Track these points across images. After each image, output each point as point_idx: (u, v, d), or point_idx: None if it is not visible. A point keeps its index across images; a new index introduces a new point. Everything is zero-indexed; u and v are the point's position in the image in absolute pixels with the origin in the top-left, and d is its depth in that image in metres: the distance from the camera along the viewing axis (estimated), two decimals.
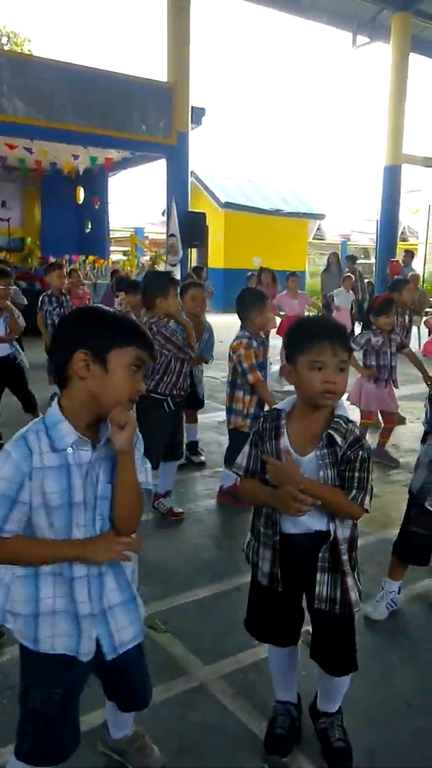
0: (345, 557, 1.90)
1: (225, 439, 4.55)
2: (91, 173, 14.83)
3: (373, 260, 17.82)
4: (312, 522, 1.89)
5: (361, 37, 16.50)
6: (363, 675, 2.50)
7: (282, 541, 1.93)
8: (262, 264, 13.23)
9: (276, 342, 7.45)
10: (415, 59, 15.95)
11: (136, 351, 1.55)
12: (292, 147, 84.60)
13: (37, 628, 1.57)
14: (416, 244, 23.40)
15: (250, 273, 10.84)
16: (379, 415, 5.43)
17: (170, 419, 3.86)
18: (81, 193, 15.46)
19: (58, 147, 12.12)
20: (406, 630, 2.89)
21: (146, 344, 1.59)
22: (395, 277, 11.14)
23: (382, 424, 5.38)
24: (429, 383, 5.06)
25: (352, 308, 11.80)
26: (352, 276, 12.60)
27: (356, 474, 1.85)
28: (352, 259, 13.86)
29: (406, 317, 7.07)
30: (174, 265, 11.94)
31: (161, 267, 13.94)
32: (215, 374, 7.78)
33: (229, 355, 4.08)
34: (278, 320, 8.51)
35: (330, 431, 1.84)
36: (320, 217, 22.21)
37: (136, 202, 34.63)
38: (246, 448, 2.01)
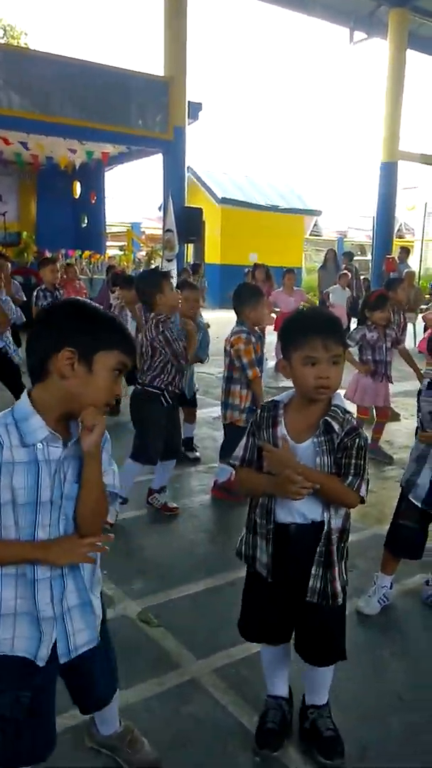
0: (334, 547, 1.92)
1: (220, 435, 4.55)
2: (88, 168, 14.77)
3: (369, 257, 17.82)
4: (307, 510, 1.91)
5: (359, 32, 16.47)
6: (355, 670, 2.53)
7: (276, 531, 1.94)
8: (258, 260, 13.23)
9: (272, 338, 7.47)
10: (412, 55, 15.93)
11: (121, 356, 1.54)
12: (289, 143, 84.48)
13: None
14: (412, 241, 23.45)
15: (248, 269, 10.84)
16: (374, 410, 5.46)
17: (166, 414, 3.85)
18: (77, 188, 15.40)
19: (55, 141, 12.08)
20: (398, 625, 2.91)
21: (131, 350, 1.59)
22: (391, 274, 11.16)
23: (375, 419, 5.40)
24: (421, 381, 5.13)
25: (348, 305, 11.82)
26: (348, 273, 12.60)
27: (353, 461, 1.88)
28: (349, 255, 13.86)
29: (402, 315, 7.07)
30: (170, 261, 11.92)
31: (157, 262, 13.91)
32: (210, 370, 7.78)
33: (225, 350, 4.08)
34: (274, 317, 8.51)
35: (327, 418, 1.88)
36: (317, 213, 22.22)
37: (132, 197, 34.50)
38: (242, 439, 2.02)
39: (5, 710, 1.56)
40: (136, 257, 15.75)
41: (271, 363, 7.52)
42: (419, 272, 17.75)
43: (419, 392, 2.82)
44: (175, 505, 4.07)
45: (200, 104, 13.45)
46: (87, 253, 14.28)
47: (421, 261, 20.51)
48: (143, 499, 4.06)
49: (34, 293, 6.81)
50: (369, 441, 5.29)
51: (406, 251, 13.88)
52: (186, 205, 12.81)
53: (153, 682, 2.42)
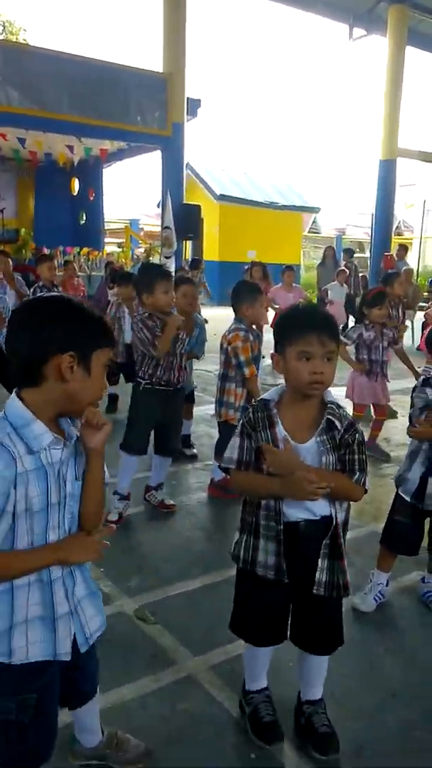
0: (341, 539, 1.96)
1: (217, 432, 4.55)
2: (86, 164, 14.76)
3: (367, 254, 17.81)
4: (316, 507, 1.93)
5: (358, 29, 16.42)
6: (350, 667, 2.54)
7: (285, 531, 1.94)
8: (257, 257, 13.22)
9: (270, 335, 7.46)
10: (411, 52, 15.90)
11: (109, 352, 1.55)
12: (287, 139, 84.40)
13: (11, 640, 1.50)
14: (411, 238, 23.45)
15: (247, 266, 10.85)
16: (371, 407, 5.46)
17: (154, 406, 3.80)
18: (76, 185, 15.40)
19: (53, 138, 12.06)
20: (393, 622, 2.92)
21: (114, 343, 1.61)
22: (389, 271, 11.16)
23: (374, 416, 5.41)
24: (416, 376, 5.16)
25: (346, 302, 11.83)
26: (346, 270, 12.61)
27: (356, 456, 1.92)
28: (349, 252, 13.86)
29: (400, 311, 7.08)
30: (168, 258, 11.91)
31: (156, 259, 13.90)
32: (208, 367, 7.78)
33: (221, 346, 4.09)
34: (272, 313, 8.51)
35: (329, 417, 1.90)
36: (315, 210, 22.20)
37: (131, 194, 34.54)
38: (235, 440, 1.97)
39: (11, 714, 1.54)
40: (134, 254, 15.74)
41: (268, 360, 7.52)
42: (417, 269, 17.76)
43: (414, 388, 2.84)
44: (171, 502, 4.07)
45: (199, 101, 13.43)
46: (85, 249, 14.28)
47: (419, 258, 20.52)
48: (140, 496, 4.07)
49: (31, 290, 6.82)
50: (367, 438, 5.34)
51: (404, 249, 13.85)
52: (184, 202, 12.79)
53: (149, 679, 2.42)
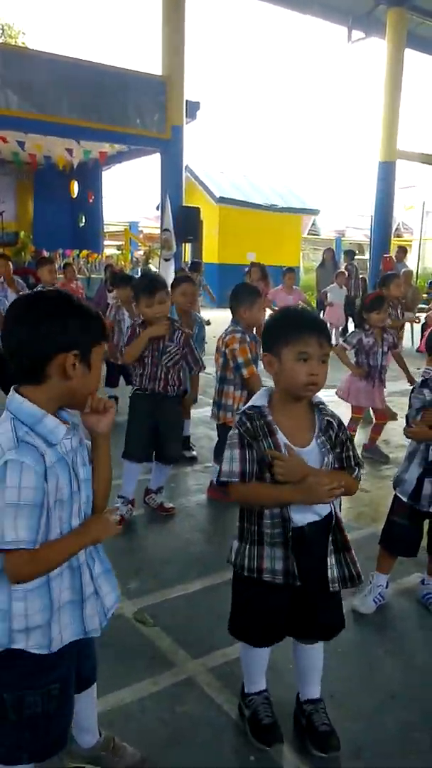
0: (346, 533, 2.00)
1: (216, 435, 4.55)
2: (86, 167, 14.76)
3: (367, 256, 17.82)
4: (319, 507, 1.95)
5: (357, 32, 16.43)
6: (350, 668, 2.54)
7: (293, 535, 1.94)
8: (256, 259, 13.22)
9: None
10: (410, 55, 15.92)
11: (104, 345, 1.59)
12: (287, 142, 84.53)
13: (50, 630, 1.54)
14: (410, 240, 23.47)
15: (247, 268, 10.87)
16: (371, 411, 5.46)
17: (145, 411, 3.80)
18: (75, 187, 15.40)
19: (52, 141, 12.07)
20: (393, 624, 2.91)
21: (108, 338, 1.63)
22: (387, 272, 11.17)
23: (374, 420, 5.41)
24: (411, 384, 5.18)
25: (345, 304, 11.83)
26: (346, 272, 12.61)
27: (351, 453, 1.98)
28: (350, 254, 13.85)
29: (398, 311, 7.08)
30: (168, 260, 11.91)
31: (155, 262, 13.91)
32: (208, 369, 7.77)
33: (219, 349, 4.09)
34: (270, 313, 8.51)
35: (327, 418, 1.94)
36: (315, 212, 22.22)
37: (130, 197, 34.53)
38: (234, 452, 1.91)
39: (38, 708, 1.57)
40: (133, 256, 15.75)
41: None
42: (417, 271, 17.77)
43: (413, 389, 2.84)
44: (171, 505, 4.07)
45: (198, 103, 13.44)
46: (85, 252, 14.29)
47: (418, 260, 20.53)
48: (140, 498, 4.07)
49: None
50: (366, 441, 5.34)
51: (403, 251, 13.87)
52: (184, 204, 12.80)
53: (148, 682, 2.42)
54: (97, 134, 11.85)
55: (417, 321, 9.52)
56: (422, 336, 10.01)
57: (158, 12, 12.24)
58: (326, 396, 2.09)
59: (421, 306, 11.37)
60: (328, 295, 11.81)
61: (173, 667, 2.51)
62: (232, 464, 1.90)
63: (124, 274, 7.63)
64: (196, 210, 13.17)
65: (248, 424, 1.91)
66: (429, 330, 4.50)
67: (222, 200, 18.08)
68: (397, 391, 6.56)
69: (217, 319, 8.93)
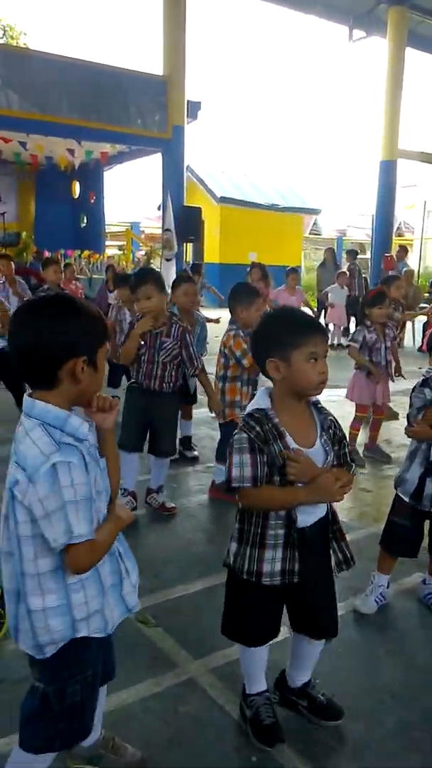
0: (340, 523, 2.08)
1: (218, 434, 4.56)
2: (87, 167, 14.78)
3: (368, 255, 17.80)
4: (323, 506, 2.00)
5: (358, 31, 16.42)
6: (351, 668, 2.55)
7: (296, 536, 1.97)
8: (257, 259, 13.21)
9: None
10: (411, 54, 15.90)
11: (107, 344, 1.63)
12: (288, 141, 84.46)
13: (104, 613, 1.65)
14: (412, 239, 23.44)
15: (249, 268, 10.85)
16: (371, 408, 5.45)
17: (138, 404, 3.80)
18: (77, 188, 15.42)
19: (54, 141, 12.08)
20: (394, 624, 2.92)
21: (110, 337, 1.66)
22: (389, 272, 11.16)
23: (372, 417, 5.40)
24: (401, 375, 5.27)
25: (348, 303, 11.82)
26: (347, 272, 12.59)
27: (346, 449, 2.03)
28: (352, 254, 13.84)
29: (399, 312, 7.07)
30: (169, 260, 11.92)
31: (156, 262, 13.91)
32: (210, 369, 7.78)
33: (220, 349, 4.12)
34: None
35: (329, 417, 1.98)
36: (316, 212, 22.22)
37: (132, 197, 34.60)
38: (244, 457, 1.88)
39: (77, 697, 1.65)
40: (135, 257, 15.76)
41: None
42: (418, 270, 17.76)
43: (413, 388, 2.84)
44: (172, 504, 4.08)
45: (199, 103, 13.44)
46: (86, 252, 14.30)
47: (420, 259, 20.51)
48: (141, 499, 4.07)
49: (37, 293, 6.83)
50: (367, 440, 5.34)
51: (404, 250, 13.85)
52: (185, 204, 12.81)
53: (150, 682, 2.43)
54: (99, 134, 11.86)
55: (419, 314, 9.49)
56: (424, 335, 10.02)
57: (159, 12, 12.25)
58: (330, 396, 2.10)
59: (422, 305, 11.35)
60: (329, 295, 11.79)
61: (175, 667, 2.52)
62: (243, 469, 1.87)
63: (125, 274, 7.64)
64: (198, 210, 13.17)
65: (258, 428, 1.89)
66: (430, 329, 4.48)
67: (223, 200, 18.08)
68: (399, 390, 6.55)
69: (225, 318, 8.93)
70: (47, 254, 12.86)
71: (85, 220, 16.60)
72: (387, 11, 15.21)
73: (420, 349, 10.09)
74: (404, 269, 12.03)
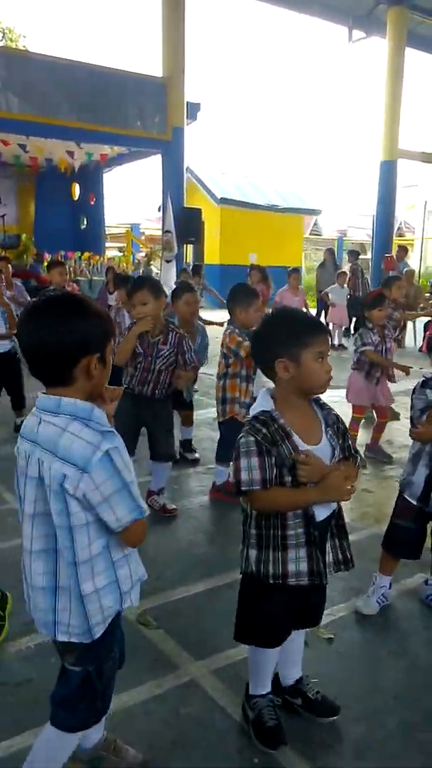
0: (344, 519, 2.07)
1: (218, 436, 4.54)
2: (87, 169, 14.79)
3: (369, 255, 17.79)
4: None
5: (357, 31, 16.45)
6: (353, 669, 2.54)
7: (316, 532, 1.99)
8: (258, 260, 13.21)
9: None
10: (411, 54, 15.91)
11: (112, 339, 1.67)
12: (288, 142, 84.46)
13: (139, 585, 1.75)
14: (413, 239, 23.43)
15: (248, 271, 10.85)
16: (374, 410, 5.45)
17: (131, 410, 3.75)
18: (76, 190, 15.43)
19: (53, 143, 12.10)
20: (396, 624, 2.91)
21: (115, 330, 1.72)
22: (390, 273, 11.16)
23: (376, 419, 5.40)
24: (393, 376, 5.25)
25: (350, 304, 11.81)
26: (347, 272, 12.59)
27: (348, 443, 2.05)
28: (354, 254, 13.84)
29: (398, 313, 7.06)
30: (169, 261, 11.93)
31: (157, 263, 13.92)
32: (210, 371, 7.78)
33: (221, 352, 4.13)
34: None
35: (333, 413, 2.01)
36: (316, 212, 22.22)
37: (132, 198, 34.61)
38: (252, 460, 1.87)
39: (111, 674, 1.78)
40: (135, 258, 15.76)
41: None
42: (419, 270, 17.73)
43: (413, 390, 2.83)
44: (173, 506, 4.07)
45: (199, 104, 13.46)
46: (86, 254, 14.31)
47: (421, 259, 20.49)
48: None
49: (45, 292, 6.84)
50: (369, 441, 5.33)
51: (404, 250, 13.84)
52: (185, 205, 12.82)
53: (151, 684, 2.42)
54: (98, 136, 11.88)
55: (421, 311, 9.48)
56: (424, 335, 10.01)
57: (158, 13, 12.27)
58: (331, 396, 2.11)
59: (423, 306, 11.33)
60: (330, 295, 11.79)
61: (176, 669, 2.52)
62: (252, 473, 1.87)
63: (125, 276, 7.65)
64: (198, 211, 13.19)
65: (264, 430, 1.88)
66: (430, 330, 4.47)
67: (223, 201, 18.09)
68: (401, 391, 6.55)
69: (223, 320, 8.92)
70: (47, 256, 12.91)
71: (85, 222, 16.61)
72: (386, 11, 15.25)
73: (420, 350, 10.08)
74: (405, 269, 12.01)
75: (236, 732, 2.20)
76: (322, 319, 11.86)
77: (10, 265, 7.05)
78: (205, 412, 6.18)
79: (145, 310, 3.66)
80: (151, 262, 15.04)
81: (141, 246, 17.63)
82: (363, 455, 5.23)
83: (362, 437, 5.36)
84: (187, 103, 12.62)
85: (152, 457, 3.97)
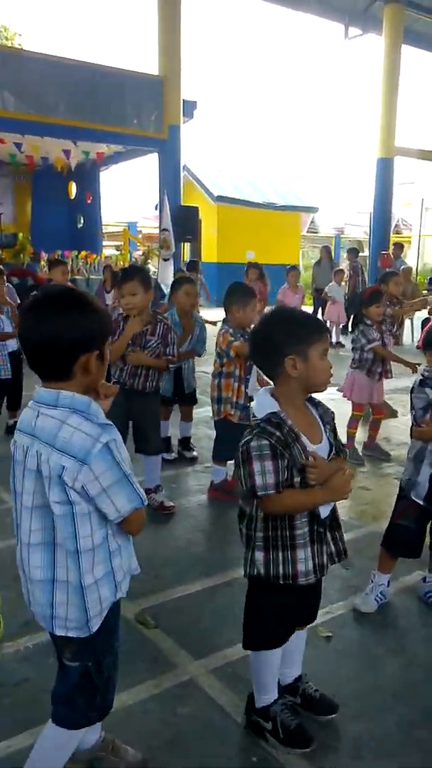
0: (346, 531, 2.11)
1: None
2: (83, 168, 14.75)
3: (366, 253, 17.78)
4: None
5: (353, 28, 16.41)
6: (351, 667, 2.54)
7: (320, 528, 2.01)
8: (255, 258, 13.20)
9: None
10: (407, 51, 15.89)
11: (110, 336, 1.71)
12: (285, 140, 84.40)
13: (129, 575, 1.76)
14: (410, 237, 23.44)
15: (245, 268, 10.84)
16: (370, 407, 5.44)
17: (123, 406, 3.67)
18: (73, 188, 15.39)
19: (49, 142, 12.06)
20: (395, 622, 2.91)
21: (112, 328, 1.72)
22: (386, 269, 11.15)
23: (372, 416, 5.39)
24: (390, 376, 5.24)
25: (350, 301, 11.82)
26: (344, 270, 12.59)
27: (338, 438, 2.08)
28: (354, 252, 13.83)
29: (390, 308, 7.05)
30: (167, 260, 11.90)
31: (154, 261, 13.90)
32: (207, 369, 7.77)
33: (216, 351, 4.13)
34: None
35: (329, 410, 2.05)
36: (313, 210, 22.17)
37: (129, 197, 34.53)
38: (266, 464, 1.86)
39: (112, 668, 1.78)
40: (132, 257, 15.73)
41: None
42: (417, 268, 17.74)
43: (412, 389, 2.83)
44: (171, 503, 4.07)
45: (195, 102, 13.42)
46: (83, 253, 14.28)
47: (418, 256, 20.50)
48: None
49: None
50: (366, 438, 5.33)
51: (399, 247, 13.85)
52: (182, 203, 12.79)
53: (150, 684, 2.42)
54: (94, 135, 11.84)
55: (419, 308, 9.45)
56: (422, 332, 10.00)
57: (154, 11, 12.23)
58: (330, 394, 2.12)
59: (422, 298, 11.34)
60: (329, 292, 11.80)
61: (175, 668, 2.51)
62: (266, 477, 1.86)
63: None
64: (195, 209, 13.16)
65: (278, 433, 1.87)
66: (426, 327, 4.46)
67: (220, 199, 18.05)
68: (400, 388, 6.55)
69: (217, 319, 8.92)
70: (44, 255, 12.88)
71: (82, 221, 16.57)
72: (383, 8, 15.21)
73: (418, 347, 10.08)
74: (402, 267, 12.02)
75: (235, 731, 2.20)
76: (319, 316, 11.86)
77: (2, 266, 6.97)
78: (203, 411, 6.16)
79: (134, 300, 3.66)
80: (149, 261, 15.01)
81: (138, 244, 17.59)
82: (361, 453, 5.24)
83: (360, 435, 5.36)
84: (184, 101, 12.58)
85: (141, 450, 3.96)
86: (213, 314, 8.01)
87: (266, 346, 1.98)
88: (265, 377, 2.10)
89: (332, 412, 2.09)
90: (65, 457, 1.51)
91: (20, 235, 14.80)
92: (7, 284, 7.16)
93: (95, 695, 1.74)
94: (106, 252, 16.86)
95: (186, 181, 14.82)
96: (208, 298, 11.79)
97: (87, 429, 1.53)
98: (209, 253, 17.53)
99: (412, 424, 2.86)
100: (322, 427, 2.01)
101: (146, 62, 29.86)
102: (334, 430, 2.07)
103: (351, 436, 5.18)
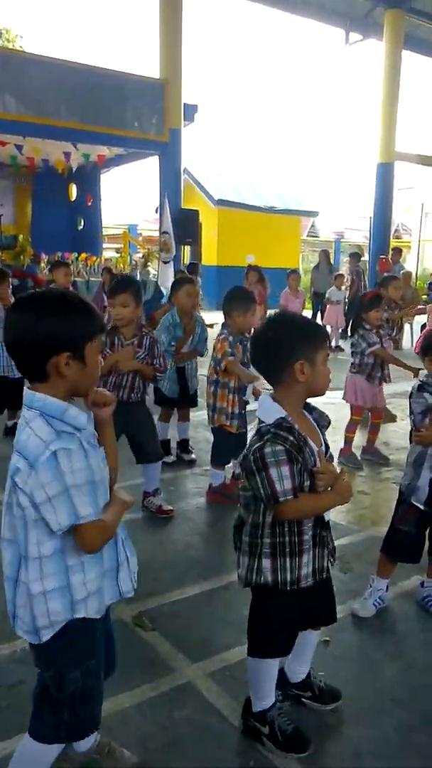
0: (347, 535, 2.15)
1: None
2: (84, 170, 14.76)
3: (366, 257, 17.80)
4: None
5: (354, 34, 16.46)
6: (349, 671, 2.53)
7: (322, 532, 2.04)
8: (255, 261, 13.21)
9: None
10: (408, 56, 15.94)
11: (100, 339, 1.65)
12: (285, 144, 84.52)
13: (102, 595, 1.69)
14: (409, 242, 23.48)
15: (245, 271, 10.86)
16: (369, 412, 5.44)
17: (113, 418, 3.74)
18: (73, 191, 15.40)
19: (50, 144, 12.08)
20: (393, 627, 2.90)
21: (103, 328, 1.72)
22: (385, 274, 11.16)
23: (371, 420, 5.39)
24: (388, 380, 5.26)
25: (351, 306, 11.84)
26: (344, 274, 12.63)
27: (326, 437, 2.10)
28: (356, 256, 13.87)
29: (386, 313, 7.05)
30: (167, 263, 11.90)
31: (154, 264, 13.89)
32: (202, 372, 7.77)
33: (212, 355, 4.13)
34: None
35: (324, 414, 2.08)
36: (314, 214, 22.21)
37: (129, 199, 34.65)
38: (283, 470, 1.85)
39: (78, 684, 1.66)
40: (132, 259, 15.73)
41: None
42: (416, 273, 17.77)
43: (411, 394, 2.82)
44: (170, 507, 4.05)
45: (196, 106, 13.44)
46: (83, 255, 14.28)
47: (418, 261, 20.54)
48: (138, 502, 4.05)
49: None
50: (365, 443, 5.33)
51: (398, 251, 13.88)
52: (182, 207, 12.80)
53: (147, 687, 2.41)
54: (95, 137, 11.85)
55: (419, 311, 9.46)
56: (420, 337, 10.00)
57: (156, 15, 12.26)
58: (330, 398, 2.14)
59: (420, 307, 11.35)
60: (330, 296, 11.83)
61: (172, 671, 2.51)
62: (284, 482, 1.85)
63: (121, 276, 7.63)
64: (195, 212, 13.17)
65: (291, 438, 1.88)
66: (424, 332, 4.46)
67: (221, 203, 18.07)
68: (398, 392, 6.55)
69: (215, 323, 8.92)
70: (44, 257, 12.88)
71: (82, 223, 16.57)
72: (383, 14, 15.24)
73: (416, 352, 10.08)
74: (401, 272, 12.03)
75: (232, 735, 2.19)
76: (318, 320, 11.87)
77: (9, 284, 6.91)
78: (202, 414, 6.14)
79: (124, 312, 3.67)
80: (149, 263, 15.01)
81: (138, 247, 17.60)
82: (359, 457, 5.23)
83: (357, 440, 5.36)
84: (185, 104, 12.60)
85: (143, 461, 3.94)
86: (210, 317, 8.00)
87: (274, 350, 1.96)
88: (261, 388, 2.12)
89: (328, 416, 2.10)
90: (21, 459, 1.51)
91: (20, 236, 14.80)
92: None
93: (61, 710, 1.67)
94: (107, 254, 16.87)
95: (186, 185, 14.85)
96: (202, 300, 11.80)
97: (42, 434, 1.50)
98: (209, 257, 17.54)
99: (412, 429, 2.86)
100: (319, 431, 2.04)
101: (148, 65, 29.96)
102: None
103: (349, 441, 5.18)
